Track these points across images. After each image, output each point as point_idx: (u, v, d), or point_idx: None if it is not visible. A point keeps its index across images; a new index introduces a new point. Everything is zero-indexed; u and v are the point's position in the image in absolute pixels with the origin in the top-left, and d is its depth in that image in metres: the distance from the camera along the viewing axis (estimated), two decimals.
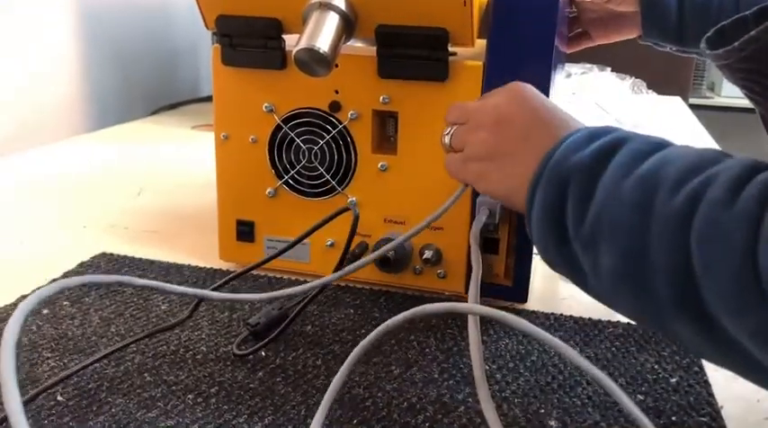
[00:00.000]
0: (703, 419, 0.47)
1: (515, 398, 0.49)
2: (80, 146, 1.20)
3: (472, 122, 0.51)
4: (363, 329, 0.58)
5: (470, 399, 0.49)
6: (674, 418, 0.47)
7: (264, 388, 0.49)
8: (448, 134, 0.54)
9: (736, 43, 0.41)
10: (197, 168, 1.06)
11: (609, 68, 1.48)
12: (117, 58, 1.42)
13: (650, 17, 0.73)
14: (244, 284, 0.65)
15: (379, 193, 0.63)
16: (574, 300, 0.64)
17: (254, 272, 0.65)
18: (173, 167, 1.08)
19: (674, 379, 0.51)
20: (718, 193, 0.33)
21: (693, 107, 1.88)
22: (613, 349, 0.56)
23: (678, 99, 1.81)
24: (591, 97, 1.29)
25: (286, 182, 0.65)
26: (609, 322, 0.60)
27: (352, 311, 0.61)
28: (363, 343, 0.43)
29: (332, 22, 0.56)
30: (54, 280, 0.65)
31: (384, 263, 0.62)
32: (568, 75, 1.37)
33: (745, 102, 0.49)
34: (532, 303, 0.63)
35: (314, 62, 0.55)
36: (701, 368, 0.53)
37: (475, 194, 0.58)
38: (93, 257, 0.71)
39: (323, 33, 0.55)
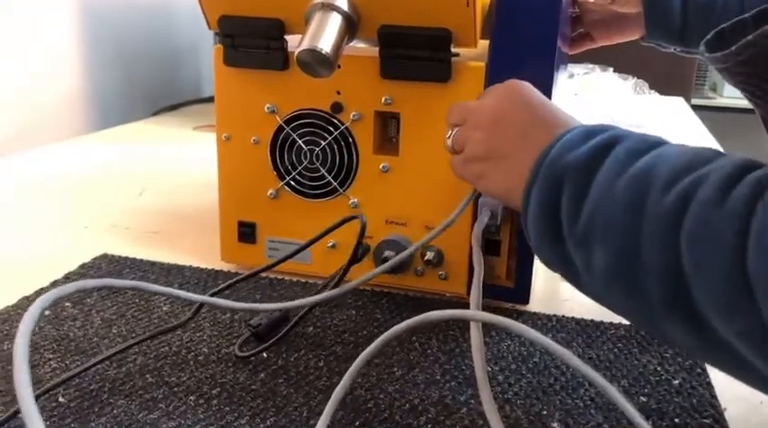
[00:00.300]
0: (706, 421, 0.47)
1: (518, 400, 0.49)
2: (82, 146, 1.20)
3: (470, 123, 0.51)
4: (365, 330, 0.58)
5: (472, 401, 0.49)
6: (676, 420, 0.47)
7: (266, 390, 0.49)
8: (449, 136, 0.54)
9: (733, 47, 0.41)
10: (198, 169, 1.06)
11: (611, 69, 1.48)
12: (119, 59, 1.42)
13: (654, 18, 0.73)
14: (245, 286, 0.65)
15: (380, 195, 0.63)
16: (575, 302, 0.63)
17: None
18: (174, 168, 1.08)
19: (676, 381, 0.51)
20: (708, 193, 0.33)
21: (696, 108, 1.88)
22: (615, 350, 0.56)
23: (680, 99, 1.80)
24: (593, 98, 1.29)
25: (288, 184, 0.65)
26: (611, 323, 0.59)
27: (353, 312, 0.61)
28: (366, 351, 0.43)
29: (334, 22, 0.56)
30: (67, 279, 0.65)
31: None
32: (571, 76, 1.37)
33: (748, 103, 0.49)
34: (534, 304, 0.63)
35: (316, 63, 0.54)
36: (704, 369, 0.53)
37: (478, 195, 0.58)
38: (95, 258, 0.70)
39: (325, 34, 0.54)
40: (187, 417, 0.46)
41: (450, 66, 0.58)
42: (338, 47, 0.55)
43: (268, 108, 0.64)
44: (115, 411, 0.46)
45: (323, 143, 0.63)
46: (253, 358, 0.53)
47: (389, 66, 0.59)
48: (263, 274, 0.67)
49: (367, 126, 0.62)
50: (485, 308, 0.45)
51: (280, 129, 0.64)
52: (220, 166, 0.67)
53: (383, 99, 0.61)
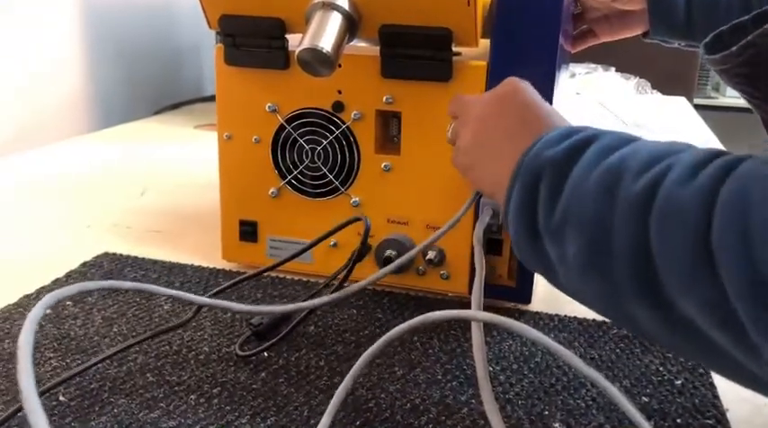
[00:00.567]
0: (708, 422, 0.47)
1: (519, 400, 0.49)
2: (83, 145, 1.20)
3: (463, 116, 0.52)
4: (366, 330, 0.58)
5: (474, 401, 0.48)
6: (678, 420, 0.47)
7: (267, 389, 0.49)
8: (449, 128, 0.55)
9: (733, 48, 0.41)
10: (200, 168, 1.06)
11: (613, 68, 1.48)
12: (120, 58, 1.42)
13: (658, 14, 0.73)
14: (246, 285, 0.65)
15: (382, 194, 0.63)
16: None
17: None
18: (176, 167, 1.08)
19: (678, 381, 0.51)
20: (677, 174, 0.33)
21: (698, 107, 1.87)
22: (618, 350, 0.55)
23: (683, 99, 1.80)
24: (595, 97, 1.29)
25: (289, 183, 0.65)
26: (613, 323, 0.59)
27: (355, 312, 0.61)
28: (368, 352, 0.43)
29: (335, 21, 0.55)
30: (69, 278, 0.65)
31: (387, 264, 0.62)
32: (573, 75, 1.37)
33: None
34: (536, 304, 0.63)
35: (317, 62, 0.54)
36: (707, 370, 0.53)
37: (481, 195, 0.58)
38: (96, 257, 0.70)
39: (326, 33, 0.54)
40: (188, 416, 0.46)
41: (452, 65, 0.58)
42: (339, 46, 0.55)
43: (269, 107, 0.64)
44: (116, 410, 0.46)
45: (324, 142, 0.63)
46: (254, 357, 0.53)
47: (390, 66, 0.59)
48: (265, 273, 0.66)
49: (368, 125, 0.62)
50: (486, 308, 0.45)
51: (281, 128, 0.64)
52: (222, 165, 0.67)
53: (384, 98, 0.61)
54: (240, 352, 0.53)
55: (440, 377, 0.51)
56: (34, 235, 0.78)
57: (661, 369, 0.53)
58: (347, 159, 0.63)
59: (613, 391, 0.37)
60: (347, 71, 0.61)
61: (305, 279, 0.67)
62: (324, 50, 0.53)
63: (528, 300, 0.62)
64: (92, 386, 0.49)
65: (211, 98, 1.50)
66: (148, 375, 0.50)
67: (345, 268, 0.59)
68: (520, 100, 0.48)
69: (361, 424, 0.46)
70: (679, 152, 0.36)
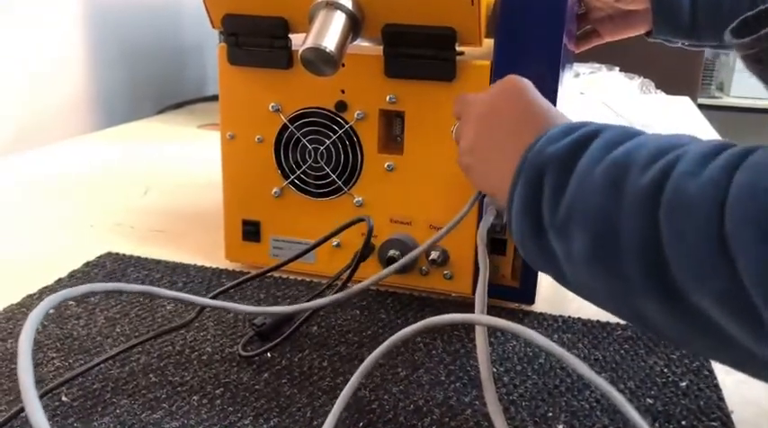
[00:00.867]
0: (713, 424, 0.46)
1: (523, 401, 0.49)
2: (86, 145, 1.20)
3: (465, 115, 0.52)
4: (370, 330, 0.57)
5: (477, 402, 0.48)
6: (683, 422, 0.47)
7: (270, 390, 0.49)
8: (454, 129, 0.55)
9: (763, 31, 0.41)
10: (203, 168, 1.06)
11: (617, 68, 1.47)
12: (123, 58, 1.42)
13: (662, 14, 0.73)
14: (250, 285, 0.65)
15: (385, 193, 0.63)
16: (582, 302, 0.63)
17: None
18: (178, 167, 1.08)
19: (683, 383, 0.51)
20: (686, 166, 0.33)
21: (702, 107, 1.87)
22: (622, 351, 0.55)
23: (687, 99, 1.80)
24: (599, 97, 1.29)
25: (292, 182, 0.65)
26: (618, 324, 0.59)
27: (358, 312, 0.61)
28: (372, 355, 0.43)
29: (338, 21, 0.55)
30: (72, 278, 0.65)
31: (390, 264, 0.62)
32: (577, 75, 1.37)
33: (755, 102, 0.48)
34: (540, 305, 0.63)
35: (320, 61, 0.54)
36: (711, 371, 0.52)
37: (484, 195, 0.58)
38: (99, 256, 0.70)
39: (329, 32, 0.54)
40: (190, 417, 0.46)
41: (455, 64, 0.58)
42: (342, 45, 0.55)
43: (272, 107, 0.63)
44: (118, 410, 0.46)
45: (327, 142, 0.63)
46: (256, 358, 0.53)
47: (394, 65, 0.59)
48: (268, 273, 0.66)
49: (371, 124, 0.62)
50: (490, 308, 0.45)
51: (284, 127, 0.64)
52: (225, 165, 0.67)
53: (388, 97, 0.60)
54: (243, 353, 0.53)
55: (443, 378, 0.51)
56: (37, 234, 0.78)
57: (666, 370, 0.53)
58: (350, 159, 0.63)
59: (615, 395, 0.37)
60: (350, 70, 0.60)
61: (308, 279, 0.66)
62: (327, 50, 0.53)
63: (531, 301, 0.62)
64: (94, 386, 0.49)
65: (214, 98, 1.50)
66: (151, 375, 0.50)
67: (348, 268, 0.59)
68: (520, 97, 0.48)
69: (365, 426, 0.45)
70: (685, 144, 0.35)
